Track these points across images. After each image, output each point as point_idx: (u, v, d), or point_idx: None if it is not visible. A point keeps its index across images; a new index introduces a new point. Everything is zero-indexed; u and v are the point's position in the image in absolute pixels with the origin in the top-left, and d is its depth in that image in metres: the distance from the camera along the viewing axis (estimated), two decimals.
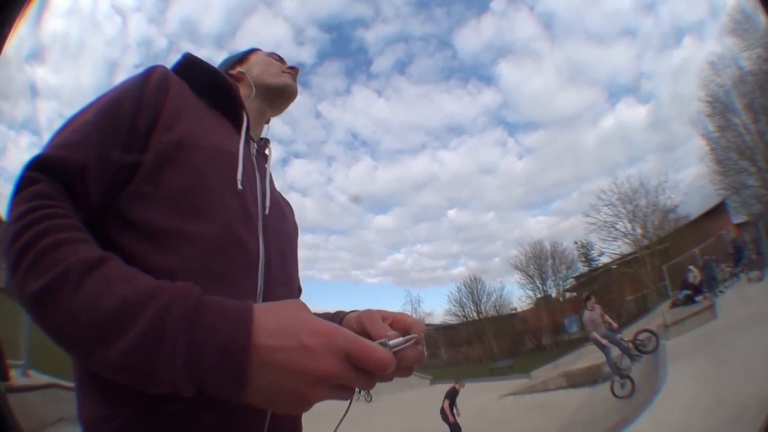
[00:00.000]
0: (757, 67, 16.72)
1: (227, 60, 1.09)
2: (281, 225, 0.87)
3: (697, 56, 21.49)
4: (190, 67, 0.85)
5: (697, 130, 19.52)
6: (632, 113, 28.50)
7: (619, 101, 29.94)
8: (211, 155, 0.74)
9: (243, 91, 1.00)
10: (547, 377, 14.90)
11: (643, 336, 9.25)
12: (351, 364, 0.49)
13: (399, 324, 0.64)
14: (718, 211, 18.24)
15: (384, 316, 0.66)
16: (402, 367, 0.56)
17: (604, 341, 8.79)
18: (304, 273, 0.97)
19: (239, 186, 0.75)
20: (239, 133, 0.85)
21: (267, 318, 0.50)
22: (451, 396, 9.28)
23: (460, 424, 8.89)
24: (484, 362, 25.62)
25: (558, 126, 34.26)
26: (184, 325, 0.48)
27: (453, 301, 29.05)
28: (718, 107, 18.23)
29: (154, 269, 0.58)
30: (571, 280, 26.08)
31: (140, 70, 0.77)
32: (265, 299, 0.74)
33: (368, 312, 0.67)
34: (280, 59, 1.10)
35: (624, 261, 22.05)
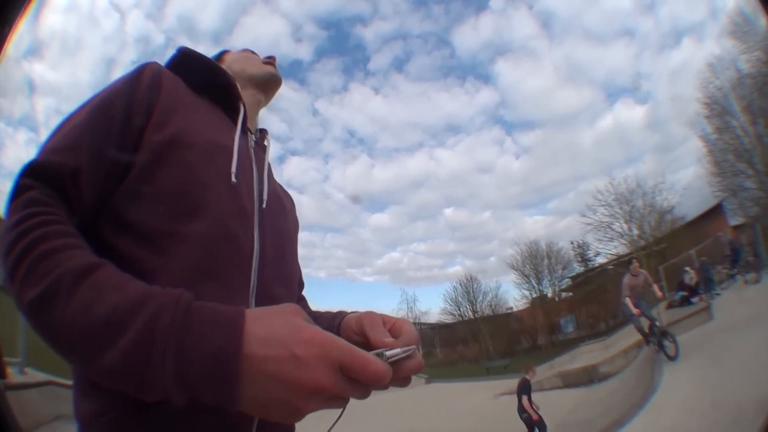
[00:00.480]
0: (756, 70, 16.73)
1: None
2: (280, 220, 0.87)
3: (696, 58, 21.47)
4: (186, 61, 0.86)
5: (695, 131, 19.49)
6: (630, 113, 28.44)
7: (617, 101, 29.79)
8: (205, 151, 0.73)
9: None
10: (543, 377, 14.90)
11: (667, 342, 7.90)
12: (345, 375, 0.48)
13: (398, 331, 0.63)
14: (714, 212, 18.24)
15: (385, 320, 0.64)
16: (399, 377, 0.54)
17: (635, 310, 8.05)
18: None
19: (233, 179, 0.74)
20: (236, 124, 0.84)
21: (259, 325, 0.49)
22: (527, 389, 7.98)
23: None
24: (479, 361, 25.62)
25: (555, 125, 34.19)
26: (174, 333, 0.48)
27: (449, 300, 28.97)
28: (716, 109, 18.23)
29: (149, 271, 0.59)
30: (567, 280, 26.07)
31: (134, 67, 0.77)
32: (260, 296, 0.73)
33: (370, 314, 0.66)
34: (254, 54, 1.10)
35: (620, 261, 22.05)
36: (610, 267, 22.86)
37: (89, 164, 0.65)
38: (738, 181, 17.54)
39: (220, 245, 0.69)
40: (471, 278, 28.77)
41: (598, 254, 23.87)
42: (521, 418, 7.89)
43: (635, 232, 21.56)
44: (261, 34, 31.35)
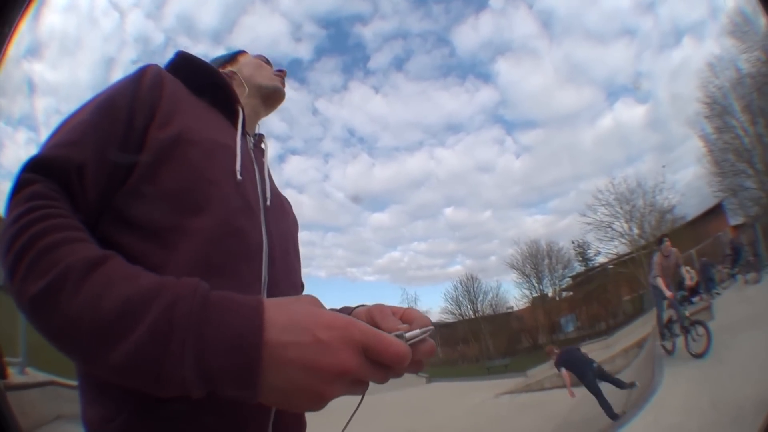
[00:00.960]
0: (756, 70, 16.72)
1: (215, 60, 1.10)
2: (282, 218, 0.87)
3: (696, 57, 21.49)
4: (184, 64, 0.86)
5: (695, 131, 19.51)
6: (630, 113, 28.45)
7: (618, 101, 29.81)
8: (208, 149, 0.73)
9: (235, 89, 1.00)
10: (544, 376, 14.89)
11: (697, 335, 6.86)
12: (367, 358, 0.48)
13: (408, 319, 0.61)
14: (715, 212, 18.23)
15: (394, 311, 0.63)
16: (415, 359, 0.53)
17: (668, 293, 7.00)
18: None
19: (239, 176, 0.74)
20: (235, 127, 0.85)
21: (279, 313, 0.48)
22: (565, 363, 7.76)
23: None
24: (480, 361, 25.62)
25: (556, 125, 34.24)
26: (192, 323, 0.46)
27: (449, 300, 28.99)
28: (717, 109, 18.21)
29: (155, 267, 0.56)
30: (568, 279, 26.03)
31: (135, 68, 0.77)
32: (270, 292, 0.73)
33: (379, 306, 0.64)
34: (268, 62, 1.10)
35: (621, 261, 22.04)
36: (611, 266, 22.87)
37: (94, 161, 0.64)
38: (738, 180, 17.53)
39: (229, 240, 0.69)
40: (471, 277, 28.79)
41: (598, 254, 23.84)
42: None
43: (636, 231, 21.53)
44: (261, 33, 31.55)
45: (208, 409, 0.58)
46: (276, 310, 0.48)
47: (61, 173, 0.61)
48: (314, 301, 0.53)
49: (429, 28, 33.48)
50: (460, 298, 28.69)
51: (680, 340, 7.13)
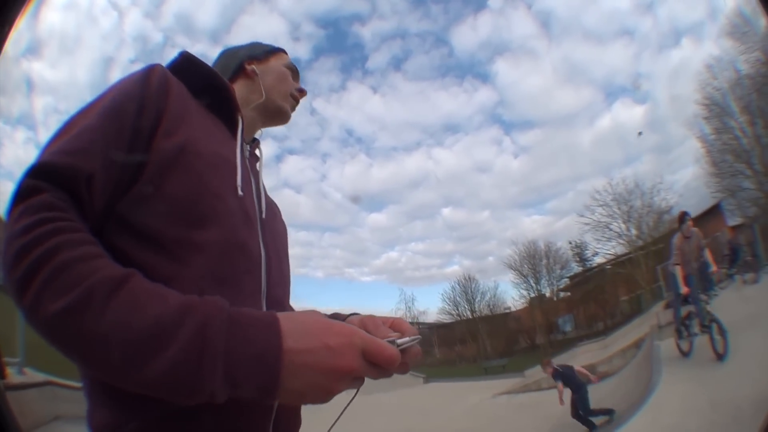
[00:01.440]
0: (755, 71, 16.78)
1: (252, 45, 1.08)
2: (276, 226, 0.90)
3: (695, 58, 21.50)
4: (188, 66, 0.85)
5: (694, 132, 19.56)
6: (629, 113, 28.48)
7: (616, 101, 29.81)
8: (212, 162, 0.74)
9: (246, 88, 1.00)
10: (541, 376, 14.89)
11: (716, 335, 6.15)
12: (366, 360, 0.56)
13: (397, 328, 0.69)
14: (713, 213, 18.27)
15: (384, 321, 0.71)
16: (403, 362, 0.61)
17: (684, 288, 6.33)
18: (297, 271, 0.99)
19: (240, 192, 0.77)
20: (233, 135, 0.85)
21: (292, 324, 0.55)
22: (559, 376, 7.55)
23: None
24: (477, 361, 25.61)
25: (554, 125, 34.22)
26: (222, 340, 0.51)
27: (447, 300, 28.99)
28: (715, 110, 18.27)
29: (166, 279, 0.58)
30: (566, 279, 26.10)
31: (138, 68, 0.76)
32: (267, 299, 0.77)
33: (371, 317, 0.73)
34: (296, 75, 1.08)
35: (618, 261, 22.09)
36: (609, 267, 22.91)
37: (102, 170, 0.63)
38: (736, 181, 17.60)
39: (233, 253, 0.72)
40: (469, 278, 28.81)
41: (596, 254, 23.93)
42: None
43: (633, 232, 21.60)
44: (259, 32, 31.41)
45: (216, 412, 0.60)
46: (289, 322, 0.55)
47: (70, 183, 0.60)
48: (318, 313, 0.61)
49: (427, 28, 33.49)
50: (458, 299, 28.75)
51: (698, 340, 6.65)
